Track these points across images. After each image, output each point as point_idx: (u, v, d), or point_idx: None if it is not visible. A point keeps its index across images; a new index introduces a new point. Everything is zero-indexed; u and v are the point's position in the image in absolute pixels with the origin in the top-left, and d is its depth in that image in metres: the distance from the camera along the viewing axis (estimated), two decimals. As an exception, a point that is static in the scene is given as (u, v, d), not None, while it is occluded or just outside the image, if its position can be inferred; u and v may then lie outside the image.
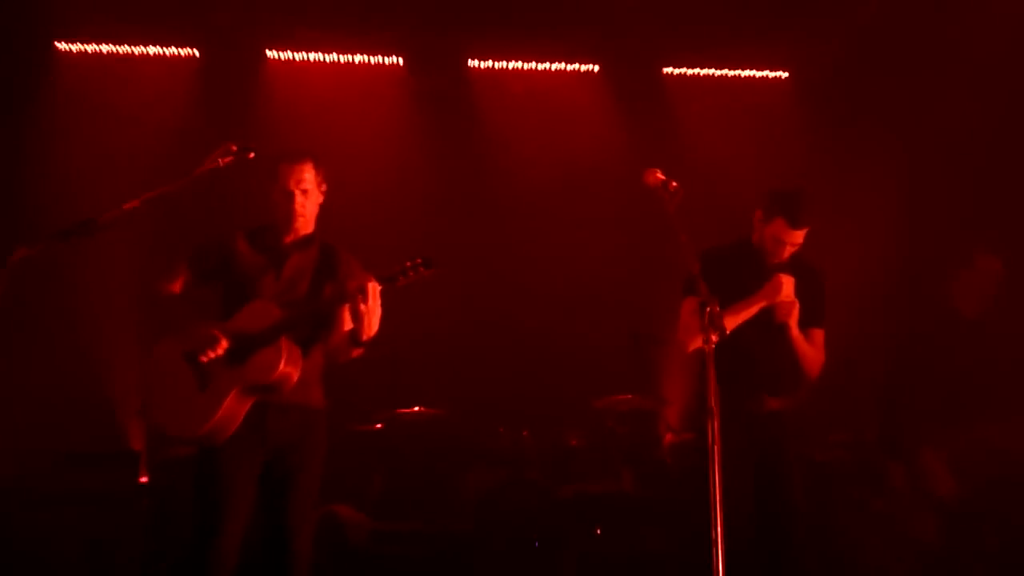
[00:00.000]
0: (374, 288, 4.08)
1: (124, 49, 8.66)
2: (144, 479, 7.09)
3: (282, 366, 4.16)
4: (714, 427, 3.56)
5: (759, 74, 9.53)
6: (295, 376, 4.22)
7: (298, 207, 4.43)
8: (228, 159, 4.03)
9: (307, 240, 4.54)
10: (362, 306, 4.08)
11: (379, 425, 7.67)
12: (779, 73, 9.54)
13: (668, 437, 7.88)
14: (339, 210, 8.17)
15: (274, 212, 4.51)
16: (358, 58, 9.06)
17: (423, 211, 8.83)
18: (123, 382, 7.91)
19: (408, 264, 4.12)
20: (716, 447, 3.53)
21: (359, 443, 7.60)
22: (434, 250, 4.21)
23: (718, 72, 9.50)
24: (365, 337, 4.17)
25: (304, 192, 4.44)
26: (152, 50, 8.71)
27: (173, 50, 8.75)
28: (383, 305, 4.16)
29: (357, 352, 4.32)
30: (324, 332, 4.43)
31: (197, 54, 8.77)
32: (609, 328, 8.28)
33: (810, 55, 9.11)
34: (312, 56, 8.98)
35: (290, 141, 8.22)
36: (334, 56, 9.00)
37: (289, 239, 4.51)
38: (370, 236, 7.89)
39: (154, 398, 4.29)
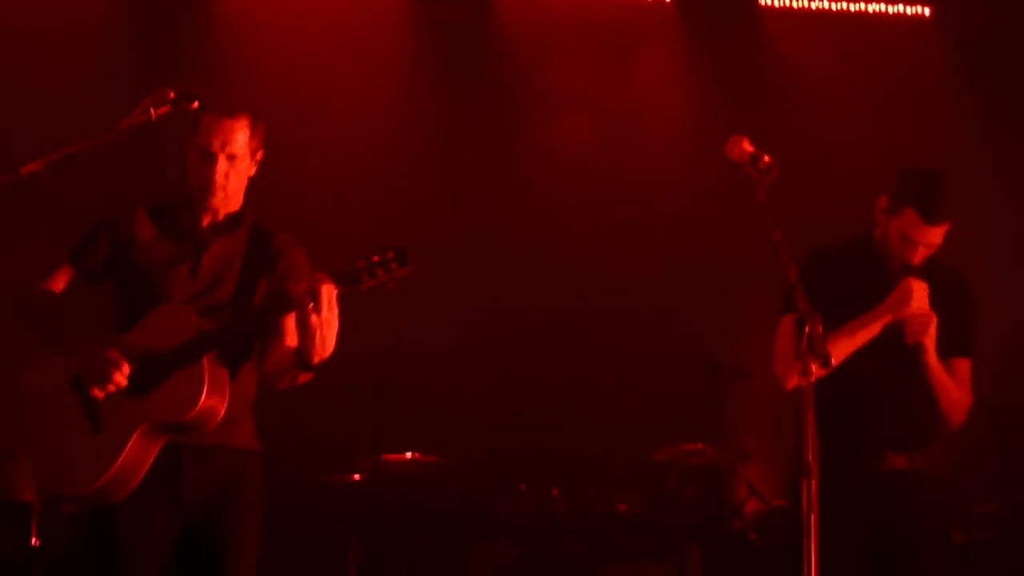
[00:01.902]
0: (330, 292, 4.00)
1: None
2: (36, 541, 7.17)
3: (204, 398, 4.09)
4: (811, 491, 3.58)
5: (891, 9, 9.55)
6: (221, 410, 4.16)
7: (218, 176, 4.35)
8: (164, 109, 4.03)
9: (232, 222, 4.49)
10: (313, 317, 4.00)
11: (358, 476, 7.73)
12: (917, 8, 9.56)
13: (751, 504, 7.91)
14: (305, 183, 8.31)
15: (187, 179, 4.45)
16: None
17: (422, 188, 8.87)
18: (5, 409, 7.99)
19: (375, 259, 4.00)
20: (813, 518, 3.55)
21: (330, 500, 7.66)
22: (438, 241, 4.13)
23: (834, 5, 9.52)
24: (317, 359, 4.09)
25: (231, 158, 4.36)
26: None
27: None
28: (341, 315, 4.07)
29: (305, 378, 4.25)
30: (259, 349, 4.41)
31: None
32: (676, 354, 8.31)
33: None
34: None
35: (244, 85, 8.35)
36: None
37: (209, 219, 4.48)
38: (347, 222, 7.99)
39: (28, 440, 4.25)
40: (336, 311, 4.04)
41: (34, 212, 7.13)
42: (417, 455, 7.68)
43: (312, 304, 3.98)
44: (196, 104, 4.05)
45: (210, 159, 4.34)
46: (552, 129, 9.18)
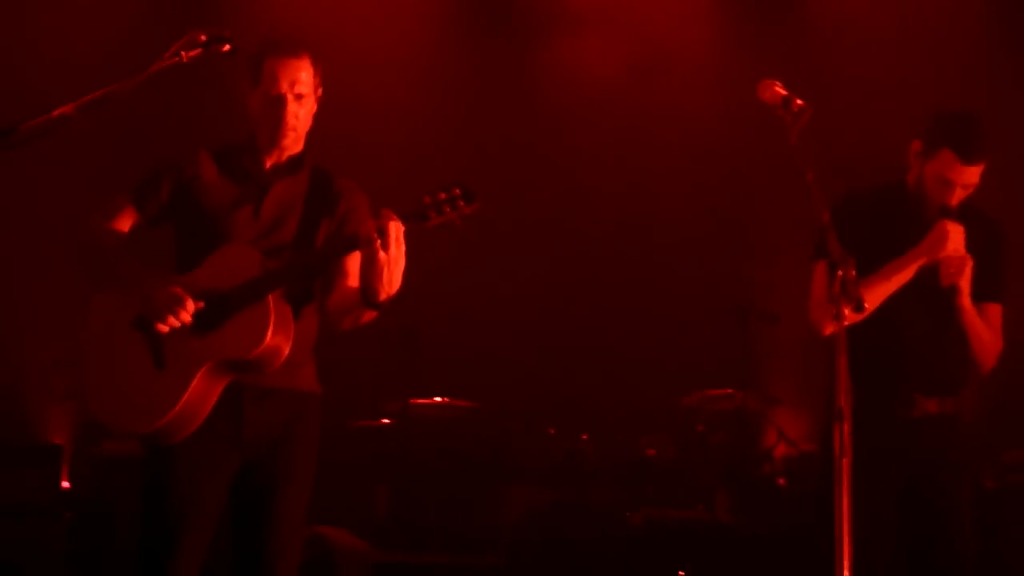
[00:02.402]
0: (398, 229, 4.00)
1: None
2: (67, 484, 7.24)
3: (270, 336, 4.11)
4: (844, 436, 3.58)
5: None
6: (286, 349, 4.19)
7: (290, 118, 4.37)
8: (195, 52, 4.02)
9: (294, 163, 4.50)
10: (381, 254, 3.99)
11: (387, 420, 7.76)
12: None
13: (781, 449, 7.93)
14: (338, 126, 8.32)
15: (252, 124, 4.47)
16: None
17: (445, 124, 8.85)
18: (41, 352, 8.04)
19: (442, 196, 4.02)
20: (846, 463, 3.55)
21: (359, 444, 7.70)
22: (463, 181, 4.12)
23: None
24: (384, 296, 4.08)
25: (299, 98, 4.38)
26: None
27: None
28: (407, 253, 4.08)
29: (369, 316, 4.26)
30: (321, 288, 4.44)
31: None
32: (706, 300, 8.30)
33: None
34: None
35: (278, 26, 8.34)
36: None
37: (271, 161, 4.48)
38: (368, 160, 7.96)
39: (92, 378, 4.26)
40: (403, 248, 4.04)
41: (88, 156, 7.19)
42: (446, 399, 7.72)
43: (380, 241, 3.99)
44: (227, 47, 4.05)
45: (279, 101, 4.36)
46: (581, 61, 9.14)
